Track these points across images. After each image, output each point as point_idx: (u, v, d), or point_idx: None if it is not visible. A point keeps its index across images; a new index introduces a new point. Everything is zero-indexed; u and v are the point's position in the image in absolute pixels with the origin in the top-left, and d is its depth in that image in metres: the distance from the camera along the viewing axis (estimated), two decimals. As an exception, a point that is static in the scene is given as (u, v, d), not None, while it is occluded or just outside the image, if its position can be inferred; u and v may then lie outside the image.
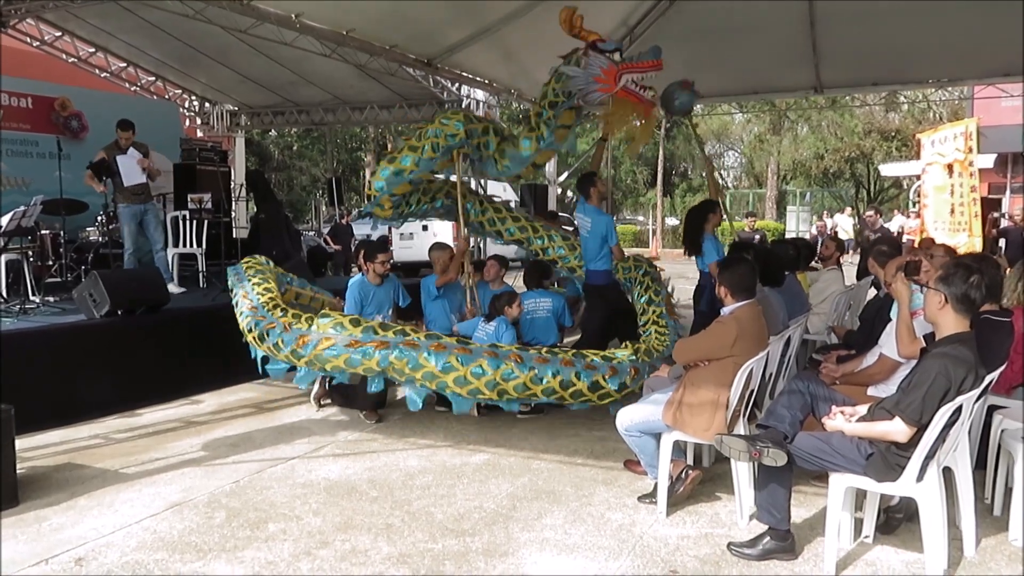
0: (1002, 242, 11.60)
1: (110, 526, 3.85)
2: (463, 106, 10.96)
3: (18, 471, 4.24)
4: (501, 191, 15.96)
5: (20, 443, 4.38)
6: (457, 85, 10.74)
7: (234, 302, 5.80)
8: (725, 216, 7.81)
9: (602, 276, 6.49)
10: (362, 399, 5.81)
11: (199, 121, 12.86)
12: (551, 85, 5.93)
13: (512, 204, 8.60)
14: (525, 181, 7.86)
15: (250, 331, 5.40)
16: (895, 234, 14.99)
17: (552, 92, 5.90)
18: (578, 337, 6.73)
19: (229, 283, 6.16)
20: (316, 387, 6.13)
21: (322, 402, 6.18)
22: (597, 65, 5.69)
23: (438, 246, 6.73)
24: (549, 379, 4.82)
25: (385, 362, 4.79)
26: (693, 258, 6.71)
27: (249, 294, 5.69)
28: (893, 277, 4.16)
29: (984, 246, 10.55)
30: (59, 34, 10.22)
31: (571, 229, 8.03)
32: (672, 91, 7.32)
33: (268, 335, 5.20)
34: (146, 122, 9.11)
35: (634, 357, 5.14)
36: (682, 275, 18.71)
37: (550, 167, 11.80)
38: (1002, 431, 3.93)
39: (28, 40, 9.98)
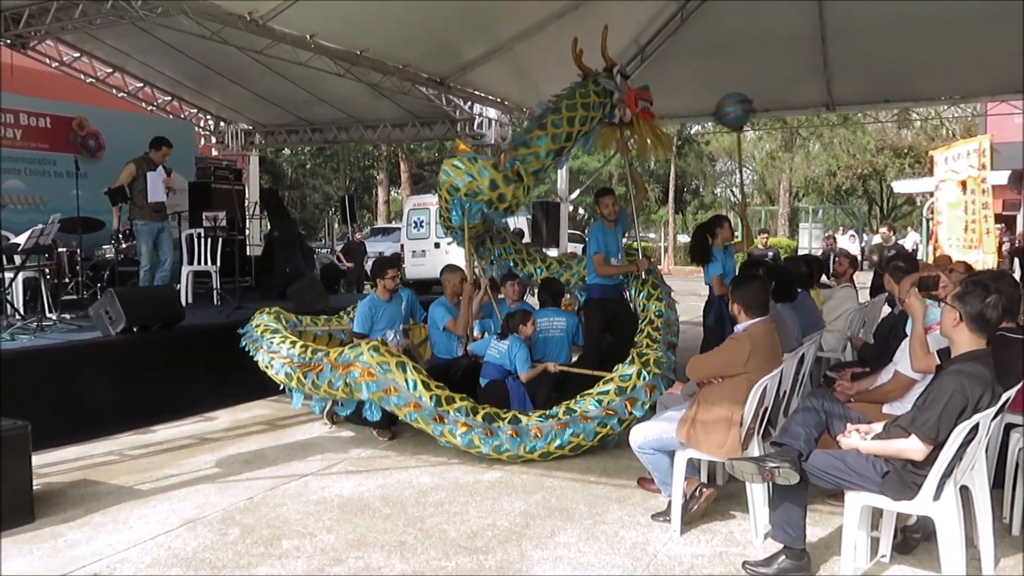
0: (1016, 262, 11.53)
1: (125, 542, 3.86)
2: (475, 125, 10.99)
3: (34, 487, 4.26)
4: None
5: (36, 459, 4.41)
6: (469, 104, 10.81)
7: (263, 363, 5.87)
8: (739, 234, 7.81)
9: (596, 289, 6.67)
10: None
11: (214, 140, 12.99)
12: (590, 89, 5.91)
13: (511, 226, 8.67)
14: (538, 198, 7.89)
15: (289, 379, 5.58)
16: (910, 251, 14.92)
17: (594, 95, 5.90)
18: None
19: (244, 345, 6.17)
20: (328, 403, 6.14)
21: (334, 419, 6.18)
22: (624, 86, 6.06)
23: (450, 268, 6.70)
24: (573, 438, 5.07)
25: (412, 417, 5.12)
26: (703, 273, 6.72)
27: (279, 351, 5.77)
28: (907, 292, 4.15)
29: (998, 266, 10.48)
30: (77, 55, 10.38)
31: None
32: (726, 104, 7.34)
33: (319, 377, 5.37)
34: (162, 142, 9.20)
35: (644, 374, 5.15)
36: (693, 292, 18.64)
37: (562, 184, 11.83)
38: (1019, 450, 3.89)
39: (47, 61, 10.14)
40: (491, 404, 5.37)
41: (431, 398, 5.04)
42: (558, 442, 5.03)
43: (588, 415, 5.08)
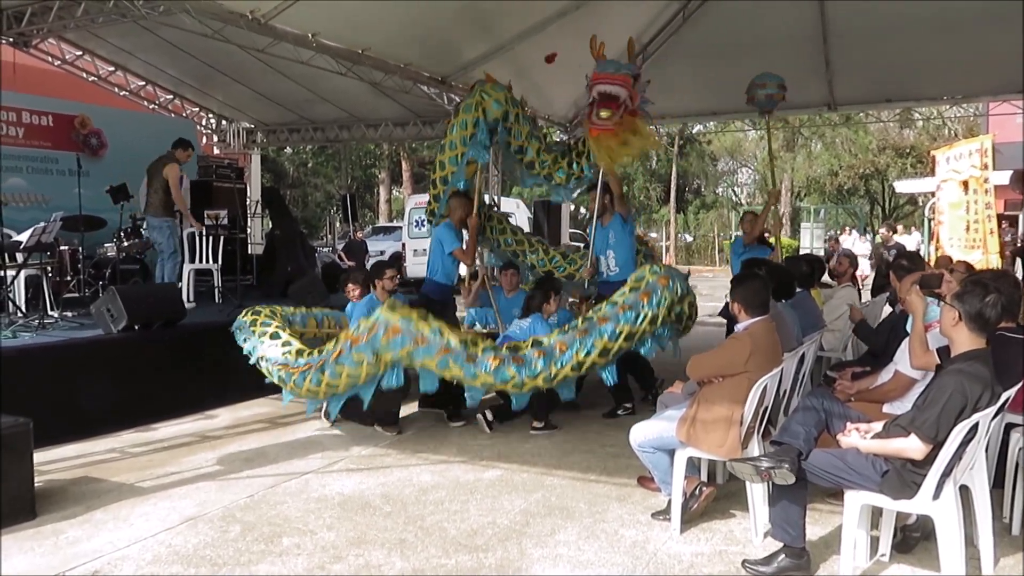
0: (1018, 262, 11.51)
1: (126, 539, 3.87)
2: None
3: (35, 485, 4.28)
4: (515, 207, 15.99)
5: (37, 457, 4.42)
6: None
7: (253, 359, 5.63)
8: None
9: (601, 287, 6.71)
10: (380, 413, 5.83)
11: (216, 138, 12.98)
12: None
13: (512, 217, 8.62)
14: (539, 196, 7.90)
15: (284, 383, 5.31)
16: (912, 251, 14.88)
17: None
18: None
19: (237, 337, 5.93)
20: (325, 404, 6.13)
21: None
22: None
23: (457, 194, 6.66)
24: (597, 342, 4.77)
25: (444, 365, 4.79)
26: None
27: (267, 354, 5.47)
28: (908, 290, 4.16)
29: (1001, 265, 10.47)
30: (80, 53, 10.36)
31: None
32: (758, 84, 7.33)
33: (312, 380, 5.08)
34: (164, 139, 9.21)
35: (655, 269, 5.06)
36: (696, 292, 18.53)
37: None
38: (1019, 449, 3.90)
39: (49, 59, 10.13)
40: None
41: (460, 342, 4.83)
42: (585, 350, 4.74)
43: (606, 317, 4.83)
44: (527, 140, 6.35)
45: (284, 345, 5.44)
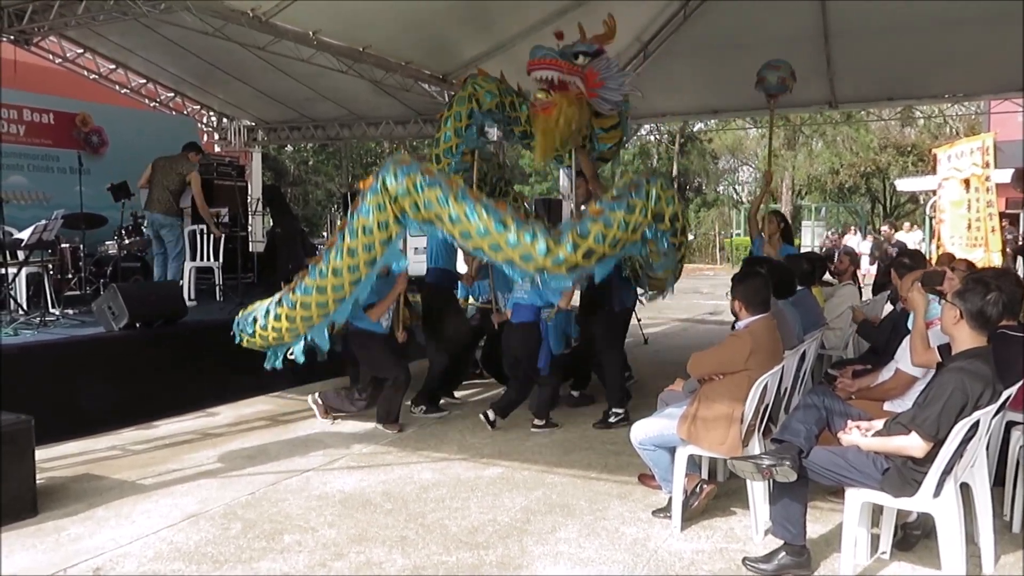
0: (1020, 260, 11.49)
1: (127, 536, 3.88)
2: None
3: (37, 482, 4.28)
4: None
5: (39, 454, 4.43)
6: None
7: (249, 334, 5.49)
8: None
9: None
10: (381, 412, 5.86)
11: (216, 136, 12.99)
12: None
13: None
14: (540, 195, 7.90)
15: (265, 331, 5.18)
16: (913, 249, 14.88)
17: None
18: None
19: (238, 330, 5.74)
20: (320, 404, 6.16)
21: (334, 416, 6.18)
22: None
23: None
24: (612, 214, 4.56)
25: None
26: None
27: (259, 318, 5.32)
28: (910, 287, 4.16)
29: (1003, 263, 10.46)
30: (81, 51, 10.37)
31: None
32: (774, 66, 7.28)
33: (282, 309, 4.98)
34: (165, 137, 9.25)
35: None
36: (695, 290, 18.62)
37: (564, 181, 11.84)
38: (1020, 447, 3.90)
39: (50, 57, 10.14)
40: (522, 347, 5.68)
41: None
42: (605, 221, 4.49)
43: (599, 210, 4.58)
44: (528, 124, 6.28)
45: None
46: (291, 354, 5.31)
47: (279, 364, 5.31)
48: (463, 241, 4.50)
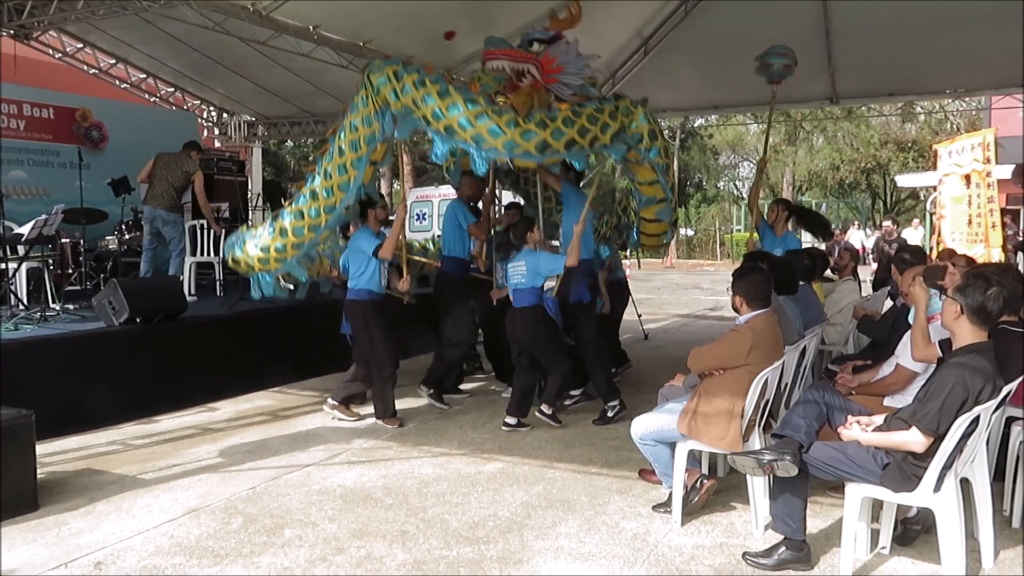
0: (1021, 256, 11.48)
1: (128, 531, 3.89)
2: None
3: (38, 476, 4.29)
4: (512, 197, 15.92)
5: (40, 449, 4.43)
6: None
7: (237, 254, 5.74)
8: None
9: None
10: (379, 409, 5.85)
11: (217, 131, 12.97)
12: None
13: None
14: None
15: (256, 252, 5.53)
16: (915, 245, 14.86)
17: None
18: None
19: (228, 251, 5.97)
20: (337, 405, 6.12)
21: (355, 410, 6.16)
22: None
23: (468, 173, 6.42)
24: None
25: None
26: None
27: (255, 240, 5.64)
28: (912, 282, 4.15)
29: (1004, 259, 10.44)
30: (81, 46, 10.35)
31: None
32: (780, 52, 7.25)
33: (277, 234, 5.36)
34: (165, 132, 9.25)
35: None
36: (695, 285, 18.59)
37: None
38: (1020, 443, 3.90)
39: (50, 52, 10.12)
40: (527, 333, 5.71)
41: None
42: (572, 111, 5.01)
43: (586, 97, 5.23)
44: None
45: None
46: (282, 284, 5.78)
47: (259, 294, 5.71)
48: (434, 122, 4.85)
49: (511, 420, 5.77)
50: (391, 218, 6.54)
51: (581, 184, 6.67)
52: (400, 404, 6.17)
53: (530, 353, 5.87)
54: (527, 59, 5.33)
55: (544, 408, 5.86)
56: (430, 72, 5.01)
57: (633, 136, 5.40)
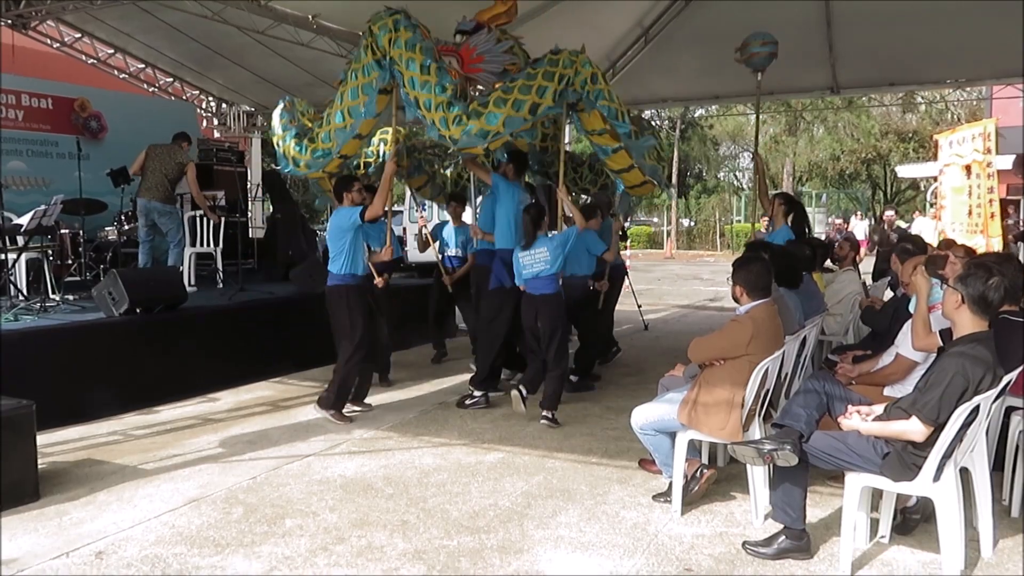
0: (1021, 246, 11.50)
1: (129, 520, 3.89)
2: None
3: (39, 466, 4.29)
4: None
5: (40, 439, 4.44)
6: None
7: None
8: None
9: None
10: (333, 396, 5.74)
11: (216, 122, 12.94)
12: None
13: None
14: (541, 182, 7.85)
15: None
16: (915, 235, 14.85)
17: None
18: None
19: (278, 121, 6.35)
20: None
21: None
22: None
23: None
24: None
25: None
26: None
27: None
28: (913, 272, 4.15)
29: (1004, 248, 10.45)
30: (79, 35, 10.31)
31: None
32: (752, 44, 7.22)
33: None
34: (164, 123, 9.23)
35: None
36: (696, 276, 18.61)
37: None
38: (1020, 432, 3.91)
39: (48, 41, 10.09)
40: (550, 321, 5.67)
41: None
42: (503, 90, 5.27)
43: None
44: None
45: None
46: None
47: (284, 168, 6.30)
48: (408, 88, 5.30)
49: (549, 414, 5.63)
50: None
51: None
52: (401, 394, 6.19)
53: (537, 339, 5.77)
54: (449, 51, 5.65)
55: (545, 414, 5.66)
56: (425, 38, 5.35)
57: (583, 84, 5.42)
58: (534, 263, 5.70)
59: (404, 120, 6.09)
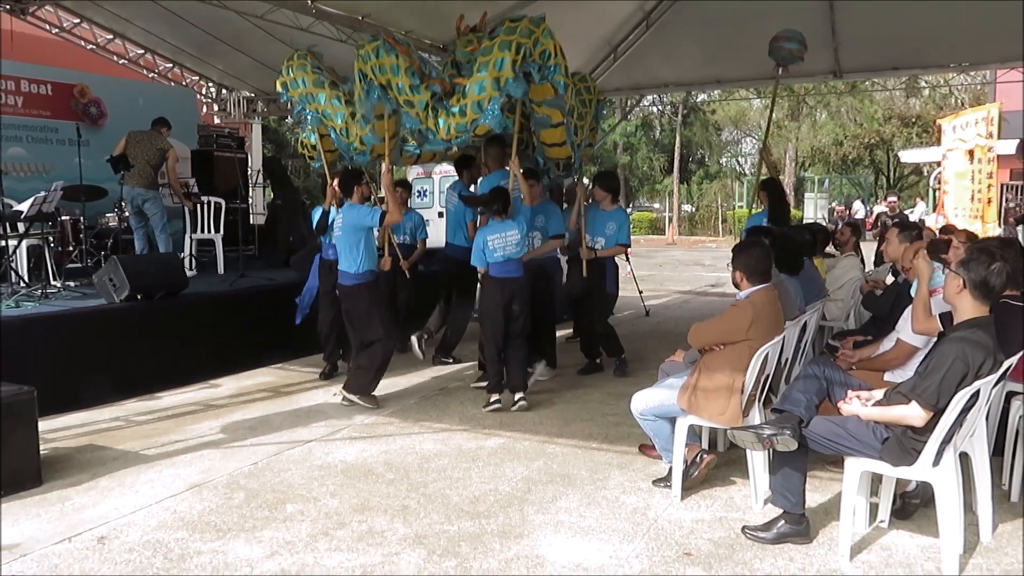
0: (1020, 230, 11.45)
1: (131, 506, 3.91)
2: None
3: (41, 452, 4.31)
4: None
5: (43, 425, 4.45)
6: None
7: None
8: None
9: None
10: (365, 381, 5.76)
11: (216, 108, 12.89)
12: None
13: None
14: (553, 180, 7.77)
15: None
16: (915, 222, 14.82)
17: None
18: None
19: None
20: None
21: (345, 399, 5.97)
22: None
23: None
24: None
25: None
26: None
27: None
28: (915, 255, 4.14)
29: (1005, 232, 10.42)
30: (77, 21, 10.26)
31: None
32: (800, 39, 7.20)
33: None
34: (164, 109, 9.17)
35: None
36: (697, 262, 18.59)
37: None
38: (1020, 417, 3.91)
39: (47, 27, 10.04)
40: (525, 302, 5.69)
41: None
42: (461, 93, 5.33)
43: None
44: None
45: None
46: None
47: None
48: (396, 95, 5.52)
49: (521, 395, 5.65)
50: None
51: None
52: (402, 380, 6.18)
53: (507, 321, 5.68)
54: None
55: (519, 395, 5.63)
56: (404, 54, 5.62)
57: (542, 56, 5.32)
58: (505, 245, 5.62)
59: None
